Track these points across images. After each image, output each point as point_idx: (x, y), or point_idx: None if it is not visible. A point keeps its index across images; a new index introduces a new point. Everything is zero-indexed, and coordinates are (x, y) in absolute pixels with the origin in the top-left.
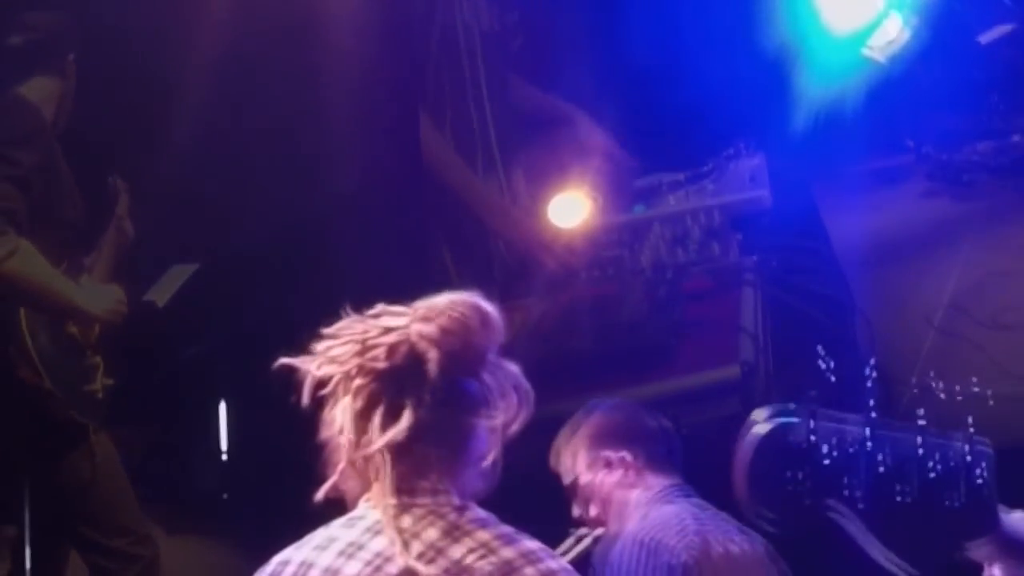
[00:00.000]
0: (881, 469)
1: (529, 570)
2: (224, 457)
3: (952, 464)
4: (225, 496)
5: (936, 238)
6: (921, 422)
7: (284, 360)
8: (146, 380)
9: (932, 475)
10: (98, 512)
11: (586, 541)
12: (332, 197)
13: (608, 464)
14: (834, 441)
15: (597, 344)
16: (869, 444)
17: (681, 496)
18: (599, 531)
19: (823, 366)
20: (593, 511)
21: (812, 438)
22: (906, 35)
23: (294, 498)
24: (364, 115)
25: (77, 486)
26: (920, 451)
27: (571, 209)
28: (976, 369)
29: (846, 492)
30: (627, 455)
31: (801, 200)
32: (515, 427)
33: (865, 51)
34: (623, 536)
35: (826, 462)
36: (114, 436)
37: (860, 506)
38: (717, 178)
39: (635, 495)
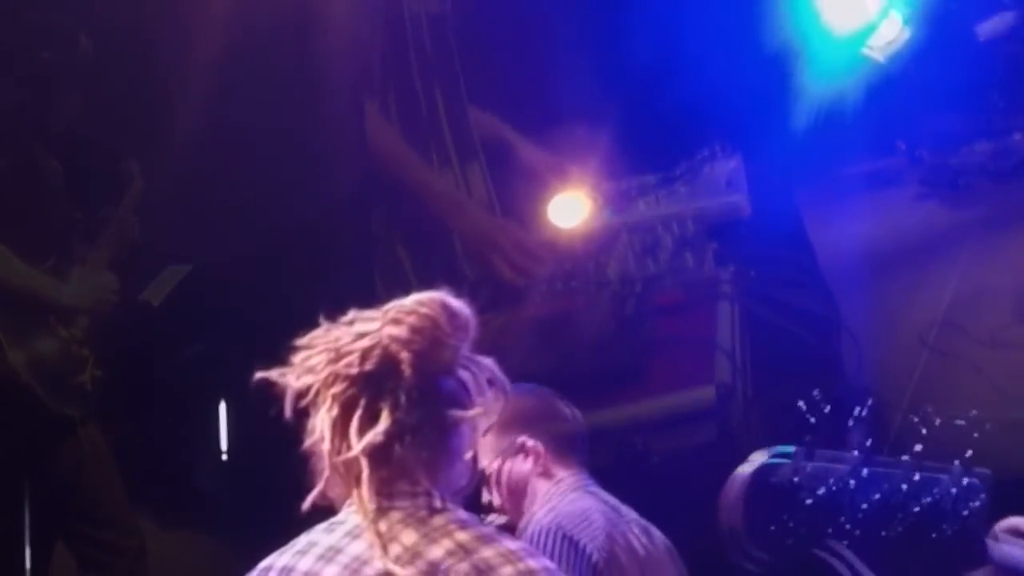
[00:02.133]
0: (865, 506)
1: (507, 569)
2: (224, 457)
3: (939, 498)
4: (225, 496)
5: (930, 248)
6: (916, 450)
7: (262, 374)
8: (146, 380)
9: (918, 510)
10: (88, 504)
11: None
12: (326, 198)
13: (518, 451)
14: (818, 481)
15: (558, 364)
16: (852, 483)
17: (589, 489)
18: (502, 519)
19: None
20: (498, 498)
21: (795, 479)
22: (906, 34)
23: (294, 499)
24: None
25: (67, 478)
26: (905, 487)
27: (570, 209)
28: (973, 392)
29: (830, 530)
30: (537, 443)
31: (782, 206)
32: (494, 420)
33: (865, 51)
34: (534, 525)
35: (808, 502)
36: (114, 435)
37: (845, 543)
38: (690, 182)
39: (543, 485)
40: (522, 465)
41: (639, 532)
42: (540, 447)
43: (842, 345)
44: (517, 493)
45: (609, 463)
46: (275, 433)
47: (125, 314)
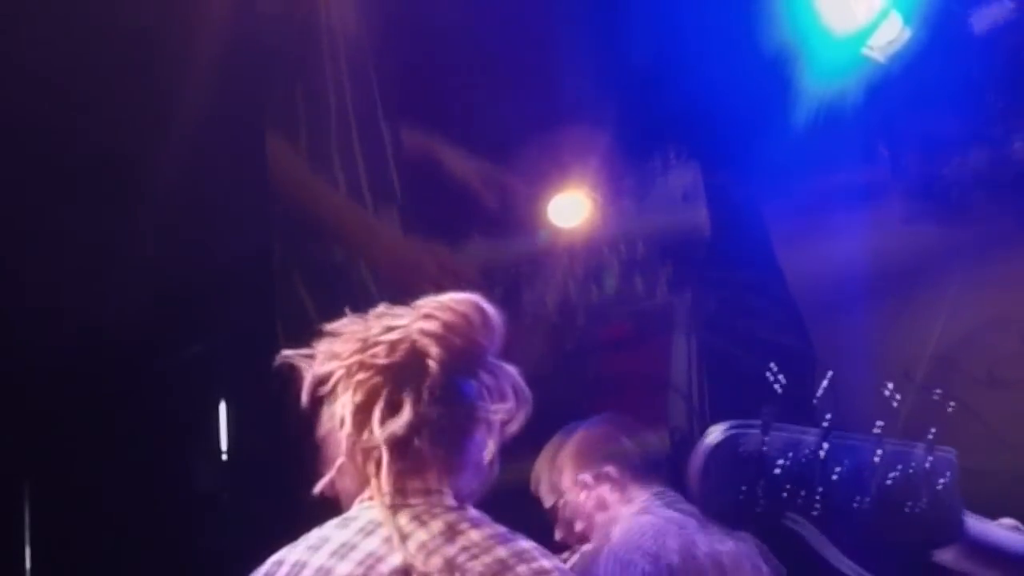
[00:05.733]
0: (836, 476)
1: (522, 568)
2: (224, 457)
3: (912, 471)
4: (225, 496)
5: (917, 271)
6: (878, 429)
7: (284, 355)
8: (146, 380)
9: (890, 482)
10: None
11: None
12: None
13: (593, 480)
14: (787, 450)
15: None
16: (822, 451)
17: (664, 504)
18: (586, 547)
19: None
20: (578, 528)
21: (764, 447)
22: (906, 34)
23: (294, 498)
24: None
25: None
26: (877, 458)
27: (571, 209)
28: (968, 437)
29: (800, 499)
30: (611, 469)
31: (748, 223)
32: (513, 427)
33: (865, 51)
34: (603, 551)
35: (778, 470)
36: (114, 436)
37: (814, 513)
38: (641, 196)
39: (619, 510)
40: (594, 494)
41: (717, 540)
42: (613, 473)
43: (815, 384)
44: (591, 521)
45: (545, 518)
46: (275, 433)
47: (130, 315)
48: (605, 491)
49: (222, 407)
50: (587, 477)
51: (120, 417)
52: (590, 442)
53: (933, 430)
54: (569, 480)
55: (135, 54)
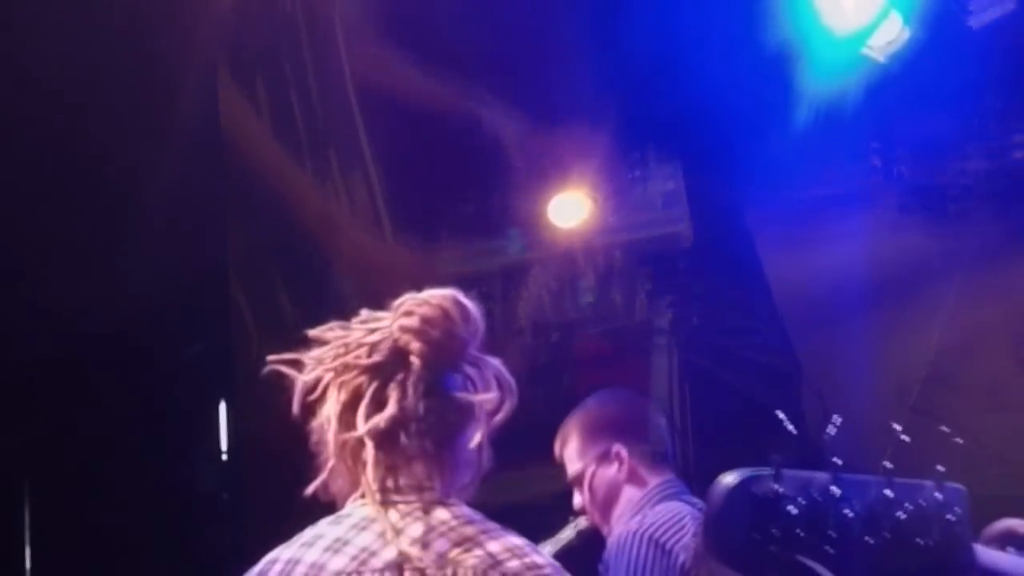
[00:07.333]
0: (850, 513)
1: (514, 563)
2: (224, 457)
3: (923, 505)
4: (225, 496)
5: (912, 286)
6: (888, 466)
7: (271, 360)
8: (146, 380)
9: (902, 517)
10: None
11: (569, 532)
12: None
13: (602, 457)
14: (800, 491)
15: None
16: (835, 491)
17: (677, 494)
18: (584, 523)
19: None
20: (584, 502)
21: (778, 488)
22: (906, 34)
23: (294, 498)
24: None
25: None
26: (889, 494)
27: (571, 209)
28: (966, 463)
29: (814, 540)
30: (621, 448)
31: (732, 234)
32: (499, 418)
33: (864, 51)
34: (622, 530)
35: (792, 510)
36: (114, 436)
37: (829, 553)
38: (619, 205)
39: (634, 492)
40: (611, 471)
41: None
42: (625, 453)
43: (803, 404)
44: (606, 499)
45: (533, 524)
46: (275, 433)
47: (130, 315)
48: (616, 469)
49: (222, 407)
50: (602, 449)
51: (120, 417)
52: (605, 415)
53: (941, 468)
54: (580, 450)
55: (113, 44)
